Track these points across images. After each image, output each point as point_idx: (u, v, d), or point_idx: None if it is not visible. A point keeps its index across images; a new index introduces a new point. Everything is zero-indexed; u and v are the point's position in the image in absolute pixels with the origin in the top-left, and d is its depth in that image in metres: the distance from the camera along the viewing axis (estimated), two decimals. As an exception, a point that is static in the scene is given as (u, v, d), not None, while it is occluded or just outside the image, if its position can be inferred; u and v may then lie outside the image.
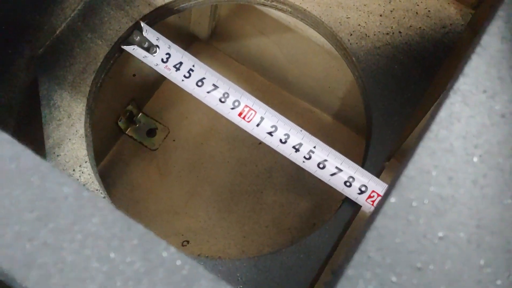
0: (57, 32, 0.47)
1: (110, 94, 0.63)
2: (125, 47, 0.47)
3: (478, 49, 0.24)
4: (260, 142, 0.75)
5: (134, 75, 0.66)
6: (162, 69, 0.47)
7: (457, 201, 0.22)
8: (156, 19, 0.50)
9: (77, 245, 0.20)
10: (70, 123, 0.45)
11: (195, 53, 0.76)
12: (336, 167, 0.44)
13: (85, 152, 0.44)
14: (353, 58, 0.47)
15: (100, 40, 0.47)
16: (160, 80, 0.73)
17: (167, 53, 0.46)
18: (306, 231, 0.69)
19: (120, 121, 0.69)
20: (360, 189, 0.43)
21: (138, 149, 0.72)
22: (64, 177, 0.22)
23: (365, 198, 0.42)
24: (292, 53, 0.72)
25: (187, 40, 0.75)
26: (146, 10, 0.48)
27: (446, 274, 0.21)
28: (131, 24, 0.47)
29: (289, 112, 0.76)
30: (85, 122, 0.45)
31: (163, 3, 0.48)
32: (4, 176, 0.21)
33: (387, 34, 0.47)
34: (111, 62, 0.48)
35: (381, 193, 0.42)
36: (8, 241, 0.20)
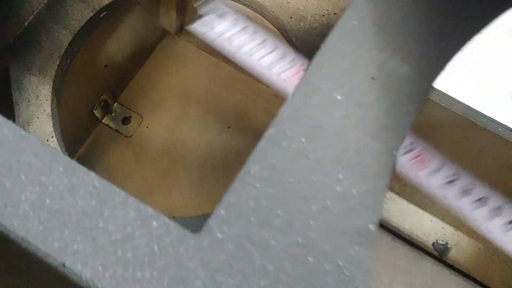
0: (26, 23, 0.52)
1: (83, 84, 0.68)
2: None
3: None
4: (229, 126, 0.81)
5: (106, 65, 0.72)
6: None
7: (324, 129, 0.27)
8: (118, 10, 0.55)
9: (15, 172, 0.26)
10: (38, 104, 0.50)
11: (165, 47, 0.82)
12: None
13: (51, 128, 0.49)
14: (293, 39, 0.52)
15: (65, 30, 0.52)
16: (133, 70, 0.79)
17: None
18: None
19: (95, 109, 0.74)
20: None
21: (114, 137, 0.77)
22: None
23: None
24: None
25: (157, 33, 0.80)
26: (106, 1, 0.53)
27: (312, 185, 0.26)
28: (92, 14, 0.53)
29: (257, 96, 0.81)
30: (51, 102, 0.50)
31: (121, -6, 0.53)
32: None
33: (323, 15, 0.52)
34: (75, 49, 0.53)
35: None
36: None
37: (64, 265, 0.24)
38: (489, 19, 0.30)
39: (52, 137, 0.49)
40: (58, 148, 0.48)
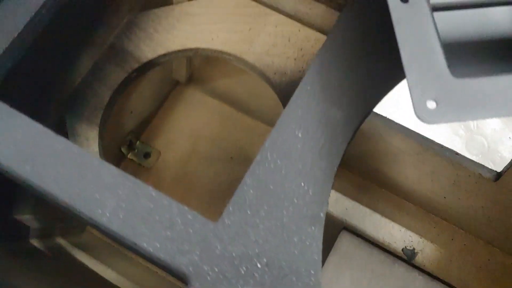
0: (76, 84, 0.69)
1: (115, 127, 0.85)
2: None
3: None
4: (232, 157, 0.97)
5: (131, 112, 0.88)
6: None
7: (291, 154, 0.43)
8: (144, 70, 0.72)
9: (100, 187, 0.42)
10: (88, 145, 0.66)
11: (177, 94, 0.99)
12: None
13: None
14: (277, 89, 0.69)
15: (105, 88, 0.69)
16: (152, 114, 0.96)
17: None
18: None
19: (122, 147, 0.91)
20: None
21: (137, 169, 0.93)
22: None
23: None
24: (251, 89, 0.94)
25: (170, 83, 0.97)
26: (136, 65, 0.70)
27: (284, 189, 0.42)
28: (126, 75, 0.70)
29: (253, 133, 0.98)
30: (98, 144, 0.67)
31: (147, 60, 0.70)
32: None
33: (299, 71, 0.69)
34: (113, 102, 0.70)
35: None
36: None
37: (135, 244, 0.40)
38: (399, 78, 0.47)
39: (100, 169, 0.65)
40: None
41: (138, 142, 0.94)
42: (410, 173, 0.85)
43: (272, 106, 0.95)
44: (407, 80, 0.36)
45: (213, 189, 0.93)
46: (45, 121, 0.69)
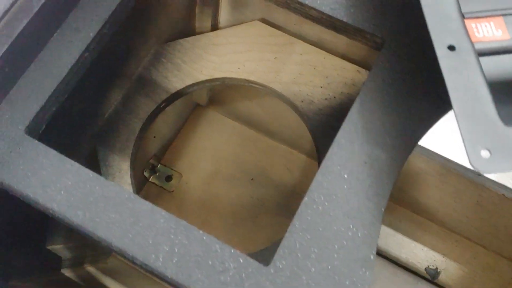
0: (106, 115, 0.70)
1: (139, 153, 0.85)
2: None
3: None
4: (252, 178, 0.97)
5: (154, 136, 0.89)
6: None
7: (338, 196, 0.44)
8: (173, 100, 0.73)
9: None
10: (121, 176, 0.67)
11: (198, 116, 1.00)
12: None
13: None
14: (305, 117, 0.70)
15: (136, 119, 0.70)
16: (173, 138, 0.96)
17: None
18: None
19: (145, 171, 0.92)
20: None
21: (160, 192, 0.94)
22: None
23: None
24: (271, 110, 0.95)
25: (191, 105, 0.98)
26: (165, 96, 0.71)
27: (333, 232, 0.43)
28: (155, 106, 0.70)
29: (274, 153, 0.98)
30: (131, 176, 0.67)
31: (175, 90, 0.71)
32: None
33: (326, 99, 0.70)
34: (143, 132, 0.71)
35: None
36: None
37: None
38: (437, 117, 0.48)
39: (133, 201, 0.66)
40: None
41: (159, 165, 0.95)
42: (432, 193, 0.86)
43: (292, 127, 0.96)
44: (460, 130, 0.37)
45: (236, 211, 0.94)
46: (78, 154, 0.69)
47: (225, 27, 0.76)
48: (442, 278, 0.88)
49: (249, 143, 0.99)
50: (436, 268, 0.88)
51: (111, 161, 0.68)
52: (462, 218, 0.87)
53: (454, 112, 0.38)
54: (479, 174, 0.81)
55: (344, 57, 0.72)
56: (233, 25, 0.76)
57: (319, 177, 0.45)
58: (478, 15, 0.42)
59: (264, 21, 0.76)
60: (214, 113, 1.00)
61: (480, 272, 0.88)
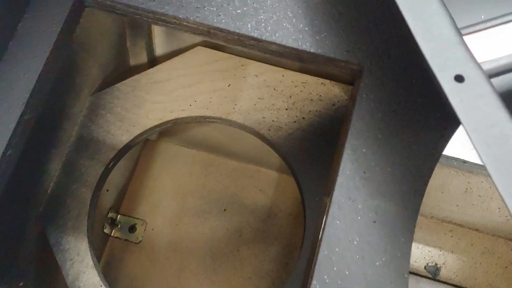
0: (49, 190, 0.60)
1: (96, 214, 0.75)
2: None
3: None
4: (225, 209, 0.89)
5: (107, 190, 0.79)
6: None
7: (350, 269, 0.37)
8: (122, 155, 0.63)
9: None
10: (80, 260, 0.57)
11: (149, 153, 0.90)
12: None
13: (97, 278, 0.57)
14: (276, 146, 0.62)
15: (84, 187, 0.60)
16: (127, 183, 0.86)
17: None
18: (282, 272, 0.84)
19: (104, 228, 0.82)
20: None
21: (125, 246, 0.84)
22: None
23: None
24: (230, 132, 0.86)
25: (140, 144, 0.88)
26: (112, 154, 0.62)
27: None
28: (103, 168, 0.61)
29: (241, 176, 0.90)
30: (91, 255, 0.58)
31: (123, 145, 0.62)
32: None
33: (295, 122, 0.62)
34: (96, 201, 0.61)
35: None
36: None
37: None
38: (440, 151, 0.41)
39: (101, 286, 0.56)
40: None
41: (119, 216, 0.85)
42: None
43: (256, 145, 0.88)
44: (495, 183, 0.30)
45: (213, 248, 0.86)
46: (25, 242, 0.59)
47: (164, 59, 0.67)
48: (444, 273, 0.84)
49: (213, 170, 0.90)
50: (436, 264, 0.83)
51: (65, 244, 0.58)
52: (453, 208, 0.82)
53: (481, 160, 0.31)
54: (464, 161, 0.76)
55: (303, 70, 0.64)
56: (173, 55, 0.67)
57: (324, 250, 0.37)
58: (476, 29, 0.35)
59: (207, 43, 0.67)
60: (167, 145, 0.90)
61: (480, 258, 0.84)
